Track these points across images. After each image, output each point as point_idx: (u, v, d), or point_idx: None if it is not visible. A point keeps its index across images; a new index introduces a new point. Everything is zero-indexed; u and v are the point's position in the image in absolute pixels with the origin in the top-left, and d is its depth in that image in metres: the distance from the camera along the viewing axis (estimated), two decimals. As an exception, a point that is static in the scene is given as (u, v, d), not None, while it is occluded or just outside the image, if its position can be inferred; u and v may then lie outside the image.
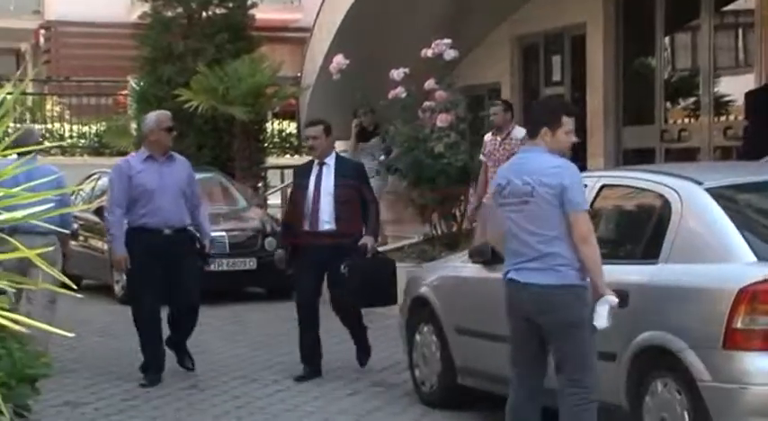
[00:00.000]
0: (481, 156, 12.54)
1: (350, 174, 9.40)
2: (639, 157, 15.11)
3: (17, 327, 3.61)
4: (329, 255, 9.13)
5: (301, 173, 9.63)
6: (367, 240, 9.27)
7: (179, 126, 16.41)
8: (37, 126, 26.68)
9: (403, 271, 11.50)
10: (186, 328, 9.53)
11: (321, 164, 9.35)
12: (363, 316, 9.56)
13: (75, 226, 14.74)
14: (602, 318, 6.05)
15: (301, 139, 19.88)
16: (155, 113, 9.70)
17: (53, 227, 7.32)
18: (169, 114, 9.72)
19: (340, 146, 16.11)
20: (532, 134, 6.50)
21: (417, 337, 8.60)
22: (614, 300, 6.08)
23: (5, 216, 3.72)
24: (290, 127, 25.29)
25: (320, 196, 9.21)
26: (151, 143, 9.39)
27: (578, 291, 6.17)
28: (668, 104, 15.59)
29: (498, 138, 12.28)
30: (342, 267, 9.05)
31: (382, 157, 15.29)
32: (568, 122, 6.49)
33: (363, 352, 9.57)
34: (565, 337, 6.22)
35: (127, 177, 9.21)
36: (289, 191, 12.94)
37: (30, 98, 27.99)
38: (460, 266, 8.33)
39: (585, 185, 7.30)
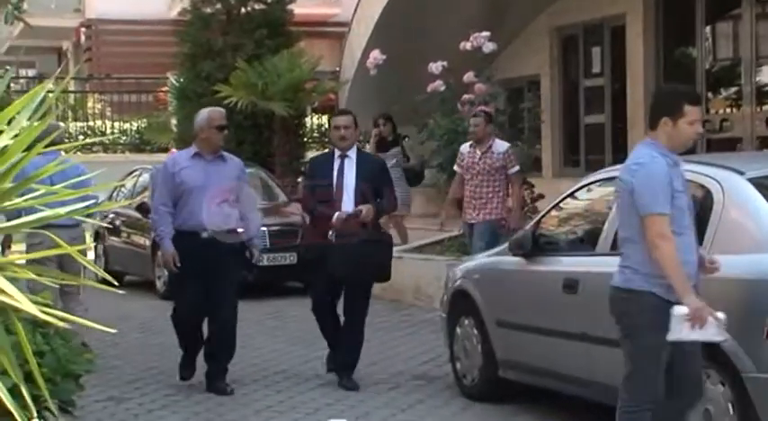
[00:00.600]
0: (456, 168, 11.94)
1: (372, 169, 8.92)
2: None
3: (61, 324, 3.61)
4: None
5: (320, 164, 9.18)
6: (364, 207, 8.65)
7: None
8: (78, 123, 27.04)
9: (443, 264, 11.53)
10: (220, 357, 8.85)
11: (343, 156, 8.84)
12: (401, 310, 9.52)
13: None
14: (674, 331, 5.66)
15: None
16: (207, 110, 9.15)
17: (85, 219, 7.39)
18: (222, 112, 9.15)
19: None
20: (652, 125, 5.99)
21: (458, 330, 8.58)
22: (687, 310, 5.61)
23: (49, 212, 3.72)
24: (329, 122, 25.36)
25: (342, 189, 8.75)
26: (201, 141, 8.85)
27: (638, 297, 5.83)
28: (710, 94, 15.50)
29: (478, 152, 11.62)
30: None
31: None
32: (692, 112, 5.94)
33: (349, 356, 8.96)
34: (621, 342, 6.05)
35: (171, 174, 8.74)
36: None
37: (71, 96, 28.20)
38: (501, 259, 8.31)
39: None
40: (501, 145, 11.58)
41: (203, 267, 8.55)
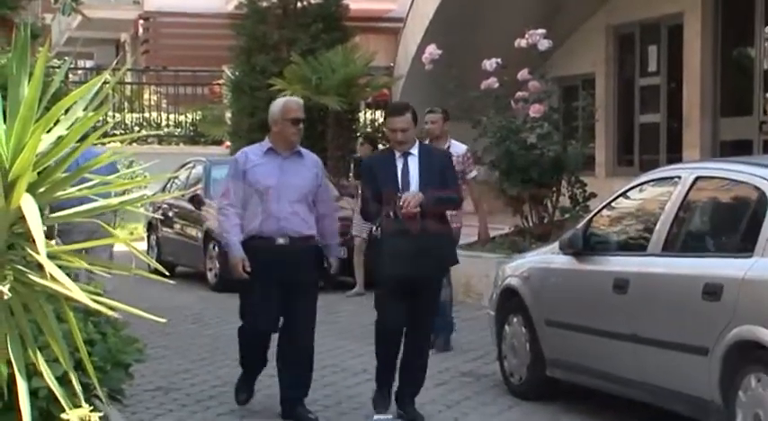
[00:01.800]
0: None
1: (437, 162, 7.81)
2: (737, 149, 14.92)
3: (112, 313, 3.64)
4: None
5: (381, 166, 7.82)
6: (409, 195, 7.46)
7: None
8: (134, 115, 27.29)
9: (493, 262, 11.48)
10: (300, 383, 7.73)
11: (406, 154, 7.69)
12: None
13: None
14: None
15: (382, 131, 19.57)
16: (282, 100, 8.10)
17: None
18: (300, 103, 8.00)
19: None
20: None
21: (507, 329, 8.54)
22: None
23: (102, 202, 3.75)
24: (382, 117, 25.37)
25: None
26: (274, 135, 7.76)
27: None
28: (767, 95, 15.35)
29: None
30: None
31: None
32: None
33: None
34: None
35: (241, 172, 7.63)
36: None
37: (128, 87, 28.40)
38: (551, 257, 8.28)
39: (680, 177, 7.23)
40: (459, 146, 10.53)
41: (279, 278, 7.50)
